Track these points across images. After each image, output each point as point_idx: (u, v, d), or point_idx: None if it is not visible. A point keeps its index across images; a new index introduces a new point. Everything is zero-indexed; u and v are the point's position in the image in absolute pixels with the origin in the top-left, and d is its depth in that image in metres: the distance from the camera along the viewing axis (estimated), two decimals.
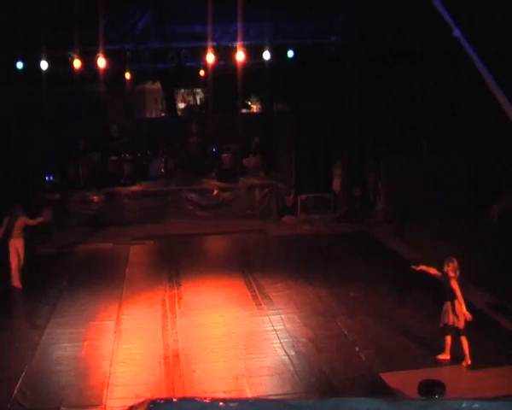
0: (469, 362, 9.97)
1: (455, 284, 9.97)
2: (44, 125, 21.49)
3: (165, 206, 20.99)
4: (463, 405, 3.00)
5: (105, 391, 9.67)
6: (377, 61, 18.59)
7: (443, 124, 18.66)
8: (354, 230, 19.25)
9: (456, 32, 7.24)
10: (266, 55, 19.79)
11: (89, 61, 19.32)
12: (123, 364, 10.66)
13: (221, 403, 3.09)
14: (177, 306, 13.32)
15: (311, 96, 22.04)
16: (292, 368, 10.30)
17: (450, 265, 10.01)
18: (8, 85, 19.06)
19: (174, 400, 3.16)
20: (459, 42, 7.19)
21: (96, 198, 20.67)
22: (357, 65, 19.52)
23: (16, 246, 14.15)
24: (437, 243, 15.88)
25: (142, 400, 3.24)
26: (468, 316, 9.98)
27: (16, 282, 14.11)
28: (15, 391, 9.65)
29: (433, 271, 10.43)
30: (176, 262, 16.50)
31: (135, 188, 21.54)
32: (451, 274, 9.98)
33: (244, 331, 11.90)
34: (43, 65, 18.99)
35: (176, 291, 14.22)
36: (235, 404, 3.08)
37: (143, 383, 9.99)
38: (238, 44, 19.39)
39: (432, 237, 16.27)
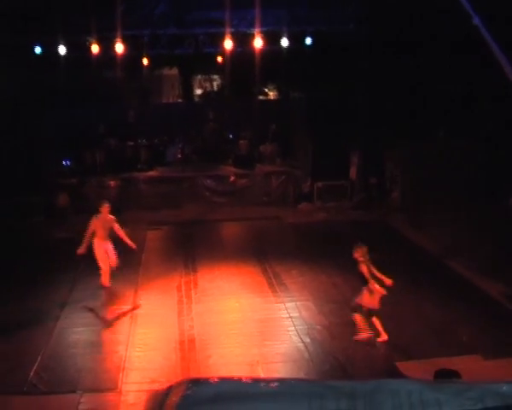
0: (386, 338, 10.60)
1: (364, 268, 10.47)
2: (61, 110, 21.52)
3: (181, 192, 21.02)
4: (504, 388, 2.97)
5: (120, 375, 9.76)
6: (393, 49, 18.46)
7: (459, 112, 18.52)
8: (370, 218, 19.21)
9: (476, 21, 7.20)
10: (284, 42, 19.73)
11: (106, 47, 19.34)
12: (138, 349, 10.74)
13: (262, 384, 3.10)
14: (192, 292, 13.39)
15: (329, 84, 21.92)
16: (307, 355, 10.34)
17: (359, 250, 10.49)
18: (26, 70, 19.12)
19: (213, 380, 3.17)
20: (478, 30, 7.16)
21: (112, 183, 20.73)
22: (372, 52, 19.39)
23: (103, 246, 13.55)
24: (452, 232, 15.84)
25: (180, 379, 3.27)
26: (382, 292, 10.57)
27: (105, 281, 13.61)
28: (31, 374, 9.76)
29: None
30: (192, 248, 16.56)
31: (151, 173, 21.60)
32: (360, 259, 10.48)
33: (259, 318, 11.94)
34: (61, 50, 19.05)
35: (192, 277, 14.27)
36: (274, 384, 3.09)
37: (158, 367, 10.06)
38: (256, 31, 19.31)
39: (447, 225, 16.20)
